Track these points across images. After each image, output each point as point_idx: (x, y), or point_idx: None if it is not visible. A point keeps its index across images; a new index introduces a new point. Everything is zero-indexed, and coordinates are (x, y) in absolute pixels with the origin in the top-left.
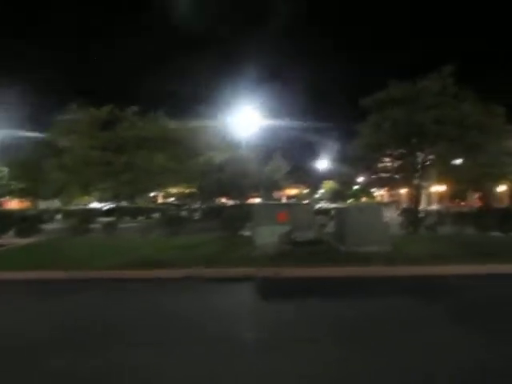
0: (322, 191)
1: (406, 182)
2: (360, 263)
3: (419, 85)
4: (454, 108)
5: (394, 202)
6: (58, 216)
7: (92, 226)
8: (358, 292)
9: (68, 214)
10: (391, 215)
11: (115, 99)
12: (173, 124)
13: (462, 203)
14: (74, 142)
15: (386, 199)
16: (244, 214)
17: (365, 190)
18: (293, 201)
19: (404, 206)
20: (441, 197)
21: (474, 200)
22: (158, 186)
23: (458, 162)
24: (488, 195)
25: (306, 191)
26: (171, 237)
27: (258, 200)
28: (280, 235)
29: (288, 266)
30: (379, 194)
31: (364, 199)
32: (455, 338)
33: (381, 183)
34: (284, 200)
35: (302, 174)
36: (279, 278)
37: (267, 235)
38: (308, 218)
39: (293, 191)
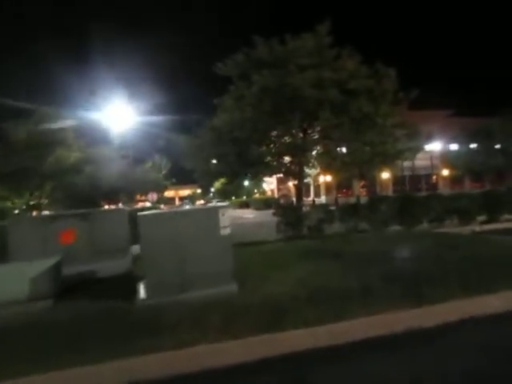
0: (213, 190)
1: (285, 170)
2: (160, 344)
3: (291, 45)
4: (334, 70)
5: (284, 197)
6: None
7: None
8: None
9: None
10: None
11: None
12: None
13: (349, 193)
14: None
15: (277, 193)
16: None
17: (257, 184)
18: (185, 202)
19: (283, 200)
20: (328, 187)
21: (359, 189)
22: None
23: (345, 141)
24: (373, 183)
25: (199, 191)
26: None
27: (147, 204)
28: (40, 277)
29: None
30: (270, 188)
31: (257, 195)
32: None
33: (254, 173)
34: (177, 202)
35: (189, 173)
36: None
37: (12, 282)
38: (118, 236)
39: (186, 191)
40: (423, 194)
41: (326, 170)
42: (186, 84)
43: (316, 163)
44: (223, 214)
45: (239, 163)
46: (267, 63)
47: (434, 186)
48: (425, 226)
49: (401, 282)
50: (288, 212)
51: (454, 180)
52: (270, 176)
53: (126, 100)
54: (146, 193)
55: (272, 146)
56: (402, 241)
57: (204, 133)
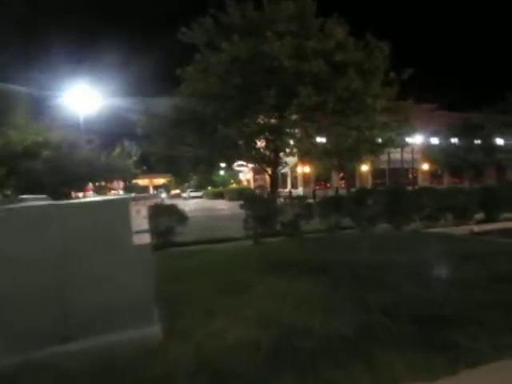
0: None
1: (258, 156)
2: None
3: (268, 9)
4: (319, 40)
5: (260, 187)
6: None
7: None
8: None
9: None
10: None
11: None
12: None
13: (328, 185)
14: None
15: (254, 184)
16: None
17: (232, 174)
18: (159, 191)
19: (259, 191)
20: (306, 179)
21: (338, 181)
22: None
23: (328, 125)
24: (353, 175)
25: (175, 179)
26: None
27: (120, 192)
28: None
29: None
30: (246, 178)
31: (234, 185)
32: None
33: (222, 159)
34: (152, 191)
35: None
36: None
37: None
38: None
39: (161, 180)
40: (415, 187)
41: (305, 158)
42: (158, 61)
43: (294, 150)
44: (138, 212)
45: (203, 146)
46: (239, 29)
47: (414, 181)
48: (417, 224)
49: (417, 321)
50: (259, 205)
51: (433, 175)
52: (245, 163)
53: (93, 80)
54: (112, 180)
55: (243, 127)
56: (399, 246)
57: (164, 110)
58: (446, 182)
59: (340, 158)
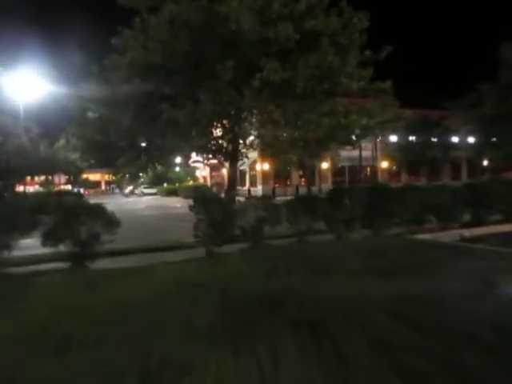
0: (143, 175)
1: (213, 147)
2: None
3: None
4: (286, 4)
5: (217, 185)
6: None
7: None
8: None
9: None
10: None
11: None
12: None
13: (287, 183)
14: None
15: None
16: None
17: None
18: (112, 187)
19: (216, 189)
20: (266, 176)
21: (298, 179)
22: None
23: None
24: (313, 173)
25: (127, 175)
26: None
27: (69, 187)
28: None
29: None
30: (202, 175)
31: (190, 182)
32: None
33: (165, 149)
34: (103, 187)
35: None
36: None
37: None
38: None
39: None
40: (398, 185)
41: (268, 150)
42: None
43: (255, 142)
44: None
45: (143, 133)
46: None
47: (374, 178)
48: (400, 229)
49: None
50: (213, 206)
51: (391, 172)
52: (201, 157)
53: (37, 64)
54: (54, 174)
55: (195, 109)
56: (399, 265)
57: (98, 90)
58: (404, 179)
59: (308, 150)
